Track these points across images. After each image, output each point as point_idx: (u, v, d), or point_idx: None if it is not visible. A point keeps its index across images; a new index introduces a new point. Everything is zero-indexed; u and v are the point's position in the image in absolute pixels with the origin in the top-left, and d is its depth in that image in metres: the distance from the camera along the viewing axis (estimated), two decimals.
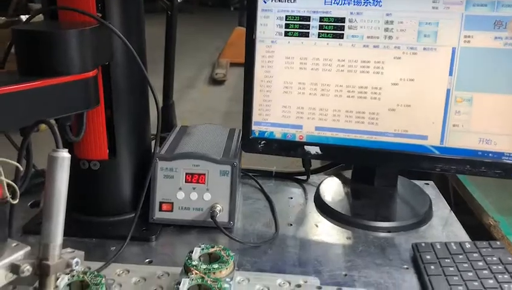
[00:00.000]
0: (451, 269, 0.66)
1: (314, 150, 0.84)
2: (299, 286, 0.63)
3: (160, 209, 0.79)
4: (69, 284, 0.56)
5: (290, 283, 0.65)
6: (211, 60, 4.60)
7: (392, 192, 0.89)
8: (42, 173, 0.88)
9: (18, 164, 0.48)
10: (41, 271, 0.44)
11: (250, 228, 0.81)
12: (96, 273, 0.58)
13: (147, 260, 0.72)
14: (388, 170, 0.89)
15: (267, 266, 0.71)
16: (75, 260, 0.46)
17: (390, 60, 0.78)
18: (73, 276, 0.57)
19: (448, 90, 0.77)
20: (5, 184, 0.46)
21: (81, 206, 0.77)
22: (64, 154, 0.44)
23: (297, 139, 0.85)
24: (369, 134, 0.82)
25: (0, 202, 0.43)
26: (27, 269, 0.43)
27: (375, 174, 0.89)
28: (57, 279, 0.46)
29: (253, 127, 0.86)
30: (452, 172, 0.80)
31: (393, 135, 0.81)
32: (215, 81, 4.13)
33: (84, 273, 0.57)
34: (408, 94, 0.79)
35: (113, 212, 0.80)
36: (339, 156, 0.86)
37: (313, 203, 0.89)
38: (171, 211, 0.79)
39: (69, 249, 0.47)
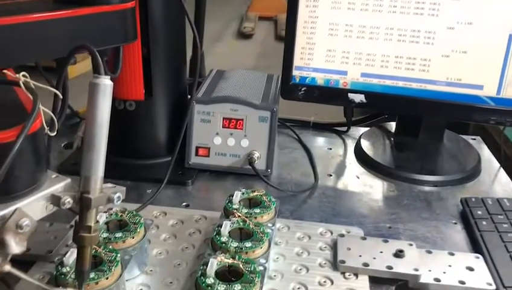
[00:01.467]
0: (504, 225, 0.62)
1: (358, 98, 0.79)
2: (342, 235, 0.61)
3: (197, 154, 0.77)
4: (106, 223, 0.55)
5: (332, 233, 0.62)
6: (238, 13, 4.49)
7: (438, 145, 0.85)
8: (77, 114, 0.86)
9: (57, 91, 0.45)
10: (82, 204, 0.41)
11: (288, 177, 0.78)
12: (134, 212, 0.56)
13: (184, 204, 0.70)
14: (435, 122, 0.84)
15: (307, 215, 0.68)
16: (117, 195, 0.43)
17: (447, 0, 0.72)
18: (111, 215, 0.55)
19: (510, 36, 0.71)
20: (42, 112, 0.43)
21: (116, 148, 0.75)
22: (107, 82, 0.41)
23: (340, 86, 0.80)
24: (419, 82, 0.76)
25: (38, 130, 0.41)
26: (68, 201, 0.41)
27: (421, 127, 0.84)
28: (97, 214, 0.44)
29: (294, 72, 0.81)
30: (507, 125, 0.75)
31: (446, 83, 0.75)
32: (243, 35, 4.04)
33: (123, 212, 0.56)
34: (465, 39, 0.73)
35: (148, 155, 0.78)
36: (385, 105, 0.81)
37: (353, 155, 0.85)
38: (208, 156, 0.77)
39: (109, 185, 0.45)
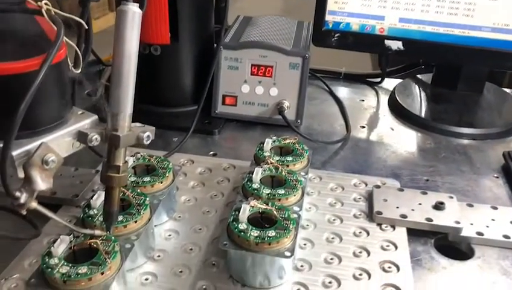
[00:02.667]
0: None
1: (395, 45, 0.74)
2: (378, 186, 0.58)
3: (224, 103, 0.74)
4: (133, 167, 0.53)
5: (366, 184, 0.60)
6: None
7: (478, 98, 0.80)
8: (101, 61, 0.83)
9: (81, 20, 0.42)
10: (110, 143, 0.39)
11: (318, 128, 0.75)
12: (162, 157, 0.54)
13: (211, 153, 0.67)
14: (476, 73, 0.79)
15: (339, 167, 0.65)
16: (146, 134, 0.41)
17: None
18: (138, 159, 0.53)
19: None
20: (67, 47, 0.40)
21: (141, 95, 0.73)
22: (135, 9, 0.38)
23: (377, 32, 0.75)
24: (462, 28, 0.71)
25: (62, 61, 0.38)
26: (95, 138, 0.39)
27: (460, 77, 0.79)
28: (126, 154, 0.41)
29: (327, 18, 0.76)
30: None
31: (491, 29, 0.70)
32: None
33: (150, 156, 0.53)
34: None
35: (174, 102, 0.75)
36: (423, 53, 0.76)
37: (387, 107, 0.81)
38: (235, 105, 0.74)
39: (138, 124, 0.42)
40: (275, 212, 0.45)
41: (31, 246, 0.48)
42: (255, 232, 0.43)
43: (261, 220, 0.46)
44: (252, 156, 0.57)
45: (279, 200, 0.48)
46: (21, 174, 0.35)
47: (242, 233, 0.43)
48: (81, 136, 0.39)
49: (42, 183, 0.35)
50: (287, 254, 0.43)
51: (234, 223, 0.44)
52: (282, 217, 0.45)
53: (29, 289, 0.39)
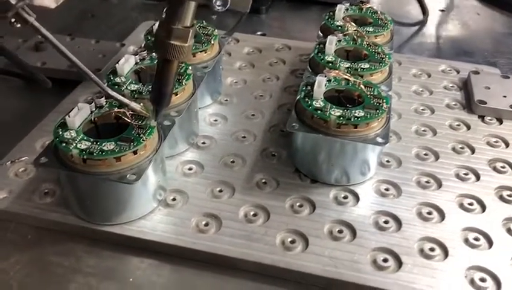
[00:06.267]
0: None
1: None
2: (476, 72, 0.45)
3: None
4: None
5: (458, 71, 0.47)
6: None
7: None
8: None
9: None
10: None
11: (388, 10, 0.61)
12: (205, 22, 0.42)
13: (259, 33, 0.55)
14: None
15: (418, 52, 0.53)
16: None
17: None
18: None
19: None
20: None
21: None
22: None
23: None
24: None
25: None
26: None
27: None
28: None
29: None
30: None
31: None
32: None
33: None
34: None
35: None
36: None
37: None
38: None
39: None
40: (362, 87, 0.34)
41: (42, 125, 0.38)
42: (336, 111, 0.32)
43: (341, 99, 0.35)
44: (309, 38, 0.45)
45: (362, 76, 0.37)
46: None
47: (319, 112, 0.32)
48: None
49: None
50: (380, 140, 0.32)
51: (307, 99, 0.33)
52: (371, 95, 0.34)
53: (39, 170, 0.29)
